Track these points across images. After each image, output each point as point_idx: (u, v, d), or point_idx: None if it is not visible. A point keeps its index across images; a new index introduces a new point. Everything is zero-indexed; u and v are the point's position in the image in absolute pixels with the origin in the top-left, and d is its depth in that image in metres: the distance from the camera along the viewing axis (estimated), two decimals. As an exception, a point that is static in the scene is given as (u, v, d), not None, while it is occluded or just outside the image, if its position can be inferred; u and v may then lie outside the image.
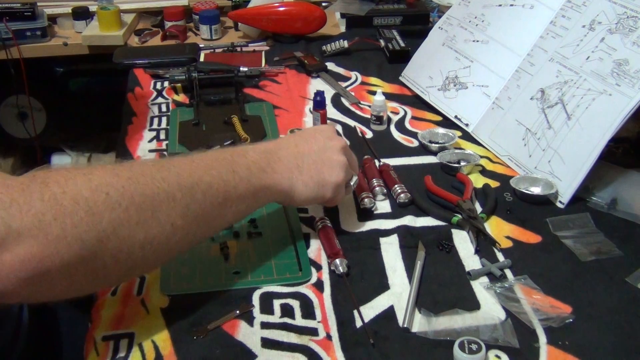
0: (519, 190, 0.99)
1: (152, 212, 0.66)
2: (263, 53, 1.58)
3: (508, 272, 0.85)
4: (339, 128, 1.21)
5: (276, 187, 0.81)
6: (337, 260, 0.85)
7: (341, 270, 0.84)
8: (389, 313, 0.78)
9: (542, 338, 0.74)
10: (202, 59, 1.54)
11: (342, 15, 1.73)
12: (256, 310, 0.79)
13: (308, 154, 0.84)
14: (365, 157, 1.09)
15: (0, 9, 1.69)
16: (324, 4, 1.83)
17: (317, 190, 0.84)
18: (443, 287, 0.82)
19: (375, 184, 1.01)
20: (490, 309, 0.79)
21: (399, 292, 0.82)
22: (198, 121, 1.22)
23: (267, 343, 0.74)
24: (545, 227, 0.93)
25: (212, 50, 1.61)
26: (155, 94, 1.37)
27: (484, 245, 0.90)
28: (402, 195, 0.99)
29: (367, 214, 0.97)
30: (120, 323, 0.77)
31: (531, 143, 1.06)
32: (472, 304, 0.80)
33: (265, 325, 0.76)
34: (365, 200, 0.98)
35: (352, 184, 0.91)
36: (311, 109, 1.22)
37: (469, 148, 1.13)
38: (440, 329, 0.75)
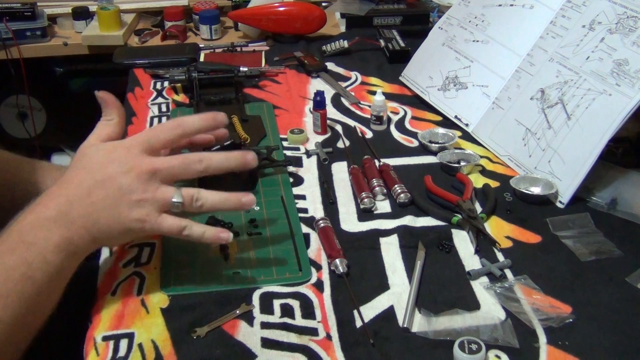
0: (519, 190, 0.99)
1: None
2: (263, 53, 1.58)
3: (508, 272, 0.85)
4: (339, 128, 1.21)
5: (80, 253, 0.75)
6: (337, 260, 0.85)
7: (341, 270, 0.84)
8: (389, 313, 0.78)
9: (542, 338, 0.74)
10: (202, 59, 1.54)
11: (342, 15, 1.73)
12: (256, 310, 0.79)
13: (103, 201, 0.74)
14: (365, 157, 1.09)
15: (0, 9, 1.69)
16: (324, 4, 1.83)
17: (127, 236, 0.78)
18: (443, 287, 0.82)
19: (375, 184, 1.01)
20: (490, 309, 0.79)
21: (399, 292, 0.82)
22: (198, 121, 1.22)
23: (267, 343, 0.74)
24: (545, 227, 0.93)
25: (212, 50, 1.61)
26: (155, 94, 1.37)
27: (484, 245, 0.90)
28: (402, 195, 0.99)
29: (367, 214, 0.97)
30: (120, 323, 0.77)
31: (531, 143, 1.06)
32: (472, 304, 0.80)
33: (265, 325, 0.76)
34: (365, 200, 0.98)
35: (174, 205, 0.76)
36: (311, 109, 1.22)
37: (469, 148, 1.13)
38: (440, 329, 0.75)
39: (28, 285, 0.69)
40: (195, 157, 0.79)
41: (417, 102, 1.30)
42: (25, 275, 0.69)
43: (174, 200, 0.75)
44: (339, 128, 1.22)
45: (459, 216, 0.94)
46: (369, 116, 1.24)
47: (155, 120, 1.26)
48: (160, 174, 0.76)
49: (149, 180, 0.75)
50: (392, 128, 1.22)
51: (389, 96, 1.31)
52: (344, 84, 1.39)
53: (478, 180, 1.04)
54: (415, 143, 1.17)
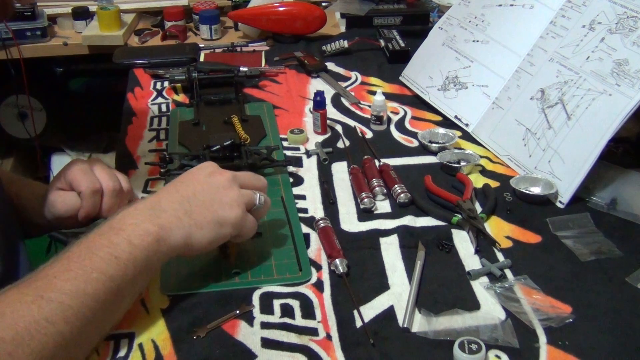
0: (519, 190, 0.99)
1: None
2: (263, 53, 1.58)
3: (508, 272, 0.85)
4: (339, 128, 1.21)
5: (169, 242, 0.74)
6: (337, 260, 0.85)
7: (341, 270, 0.84)
8: (389, 313, 0.78)
9: (542, 338, 0.74)
10: (202, 59, 1.54)
11: (342, 15, 1.73)
12: (256, 310, 0.79)
13: (194, 196, 0.78)
14: (365, 157, 1.09)
15: (0, 9, 1.69)
16: (324, 4, 1.83)
17: (217, 230, 0.78)
18: (443, 287, 0.82)
19: (375, 184, 1.01)
20: (490, 309, 0.79)
21: (399, 292, 0.82)
22: (198, 121, 1.22)
23: (267, 343, 0.74)
24: (545, 227, 0.93)
25: (212, 50, 1.61)
26: (155, 94, 1.37)
27: (484, 245, 0.90)
28: (402, 195, 0.99)
29: (367, 214, 0.97)
30: (120, 323, 0.77)
31: (531, 143, 1.06)
32: (472, 304, 0.80)
33: (265, 325, 0.76)
34: (365, 200, 0.98)
35: (258, 203, 0.83)
36: (311, 109, 1.22)
37: (469, 148, 1.13)
38: (440, 329, 0.75)
39: (113, 264, 0.69)
40: (259, 175, 0.88)
41: (417, 102, 1.30)
42: (111, 254, 0.70)
43: (257, 195, 0.83)
44: (339, 128, 1.22)
45: (459, 216, 0.94)
46: (369, 116, 1.24)
47: (155, 120, 1.26)
48: (238, 180, 0.82)
49: (233, 183, 0.81)
50: (392, 128, 1.22)
51: (389, 96, 1.31)
52: (344, 84, 1.39)
53: (478, 180, 1.04)
54: (415, 143, 1.17)
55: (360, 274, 0.85)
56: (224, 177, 0.81)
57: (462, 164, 1.07)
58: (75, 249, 0.71)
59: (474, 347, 0.70)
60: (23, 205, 0.95)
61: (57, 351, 0.63)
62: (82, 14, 1.76)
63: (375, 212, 0.98)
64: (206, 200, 0.78)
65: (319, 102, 1.18)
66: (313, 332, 0.76)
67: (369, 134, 1.20)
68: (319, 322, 0.77)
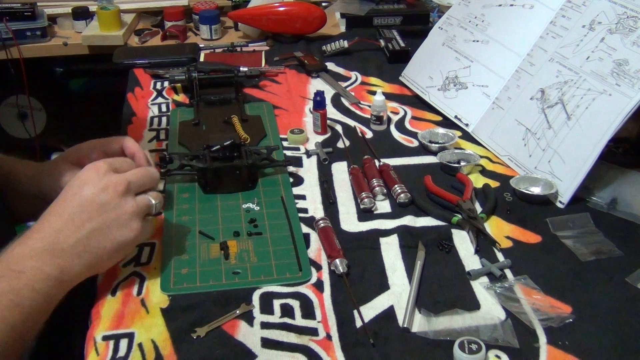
0: (519, 190, 0.99)
1: None
2: (263, 53, 1.58)
3: (508, 272, 0.85)
4: (339, 128, 1.21)
5: (70, 282, 0.74)
6: (337, 260, 0.85)
7: (341, 270, 0.84)
8: (389, 313, 0.78)
9: (542, 338, 0.74)
10: (202, 59, 1.54)
11: (342, 15, 1.73)
12: (256, 310, 0.79)
13: (89, 222, 0.75)
14: (365, 157, 1.09)
15: (0, 9, 1.69)
16: (324, 4, 1.83)
17: (120, 253, 0.79)
18: (443, 287, 0.82)
19: (375, 184, 1.01)
20: (490, 309, 0.79)
21: (399, 292, 0.82)
22: (198, 121, 1.22)
23: (267, 343, 0.74)
24: (545, 227, 0.93)
25: (212, 50, 1.61)
26: (155, 94, 1.37)
27: (484, 245, 0.90)
28: (402, 195, 0.99)
29: (367, 214, 0.97)
30: (120, 323, 0.77)
31: (531, 143, 1.06)
32: (472, 304, 0.80)
33: (265, 325, 0.76)
34: (365, 200, 0.98)
35: (154, 210, 0.81)
36: (311, 109, 1.22)
37: (469, 148, 1.13)
38: (440, 329, 0.75)
39: (15, 313, 0.68)
40: (151, 169, 0.85)
41: (417, 102, 1.30)
42: (13, 302, 0.68)
43: (154, 202, 0.81)
44: (339, 128, 1.22)
45: (459, 216, 0.94)
46: (369, 116, 1.24)
47: (155, 120, 1.26)
48: (133, 186, 0.79)
49: (127, 194, 0.78)
50: (392, 128, 1.22)
51: (389, 96, 1.31)
52: (344, 84, 1.39)
53: (478, 180, 1.04)
54: (415, 143, 1.17)
55: (360, 274, 0.85)
56: (116, 192, 0.77)
57: (462, 164, 1.07)
58: None
59: (474, 347, 0.70)
60: (17, 182, 0.94)
61: None
62: (82, 14, 1.76)
63: (375, 212, 0.98)
64: (103, 227, 0.76)
65: (319, 102, 1.18)
66: (313, 332, 0.76)
67: (369, 134, 1.20)
68: (319, 322, 0.77)
